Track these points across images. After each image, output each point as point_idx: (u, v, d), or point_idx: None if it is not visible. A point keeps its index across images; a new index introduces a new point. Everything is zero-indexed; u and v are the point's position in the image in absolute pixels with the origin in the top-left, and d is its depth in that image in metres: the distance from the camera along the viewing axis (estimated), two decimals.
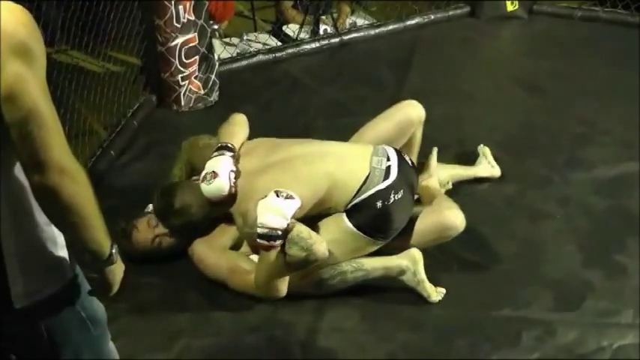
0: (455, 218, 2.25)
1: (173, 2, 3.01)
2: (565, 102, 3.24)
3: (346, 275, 2.18)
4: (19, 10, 1.08)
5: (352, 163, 2.20)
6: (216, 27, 3.70)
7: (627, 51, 3.58)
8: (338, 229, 2.14)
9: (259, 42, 3.73)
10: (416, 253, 2.23)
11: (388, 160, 2.21)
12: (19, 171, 1.17)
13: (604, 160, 2.84)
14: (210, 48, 3.23)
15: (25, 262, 1.23)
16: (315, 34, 3.80)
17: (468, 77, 3.47)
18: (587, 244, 2.45)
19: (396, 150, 2.29)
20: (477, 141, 2.87)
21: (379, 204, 2.14)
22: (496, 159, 2.80)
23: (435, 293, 2.22)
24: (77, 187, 1.15)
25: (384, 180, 2.17)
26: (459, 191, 2.63)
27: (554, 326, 2.13)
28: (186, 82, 3.19)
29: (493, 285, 2.29)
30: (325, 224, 2.16)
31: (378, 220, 2.16)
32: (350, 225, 2.14)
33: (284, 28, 3.89)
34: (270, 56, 3.62)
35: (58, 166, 1.12)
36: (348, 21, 3.96)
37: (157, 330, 2.11)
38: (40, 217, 1.21)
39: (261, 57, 3.60)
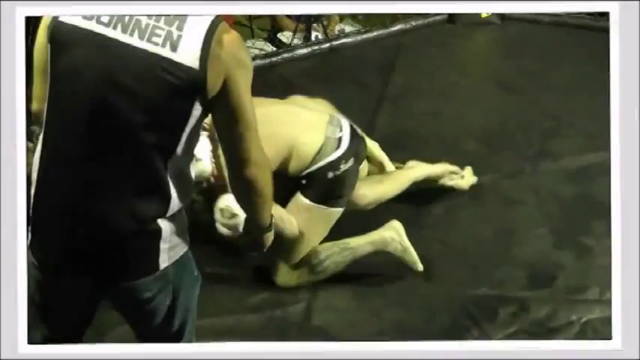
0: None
1: None
2: (535, 99, 3.36)
3: (335, 257, 2.27)
4: (237, 34, 1.36)
5: (311, 131, 2.24)
6: None
7: (591, 52, 3.57)
8: (299, 208, 2.22)
9: (256, 48, 3.82)
10: (396, 224, 2.32)
11: (341, 130, 2.28)
12: (180, 159, 1.37)
13: (571, 151, 2.96)
14: None
15: (174, 227, 1.41)
16: (307, 40, 3.90)
17: (447, 78, 3.57)
18: (557, 228, 2.57)
19: (350, 124, 2.33)
20: (455, 135, 3.01)
21: (330, 174, 2.22)
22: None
23: (419, 262, 2.31)
24: (267, 177, 1.41)
25: (336, 150, 2.24)
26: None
27: (528, 303, 2.25)
28: None
29: (472, 266, 2.40)
30: (287, 209, 2.22)
31: (331, 188, 2.24)
32: (308, 202, 2.22)
33: (279, 35, 4.01)
34: (266, 61, 3.71)
35: (255, 161, 1.37)
36: (337, 28, 4.06)
37: None
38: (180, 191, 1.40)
39: (258, 62, 3.67)
